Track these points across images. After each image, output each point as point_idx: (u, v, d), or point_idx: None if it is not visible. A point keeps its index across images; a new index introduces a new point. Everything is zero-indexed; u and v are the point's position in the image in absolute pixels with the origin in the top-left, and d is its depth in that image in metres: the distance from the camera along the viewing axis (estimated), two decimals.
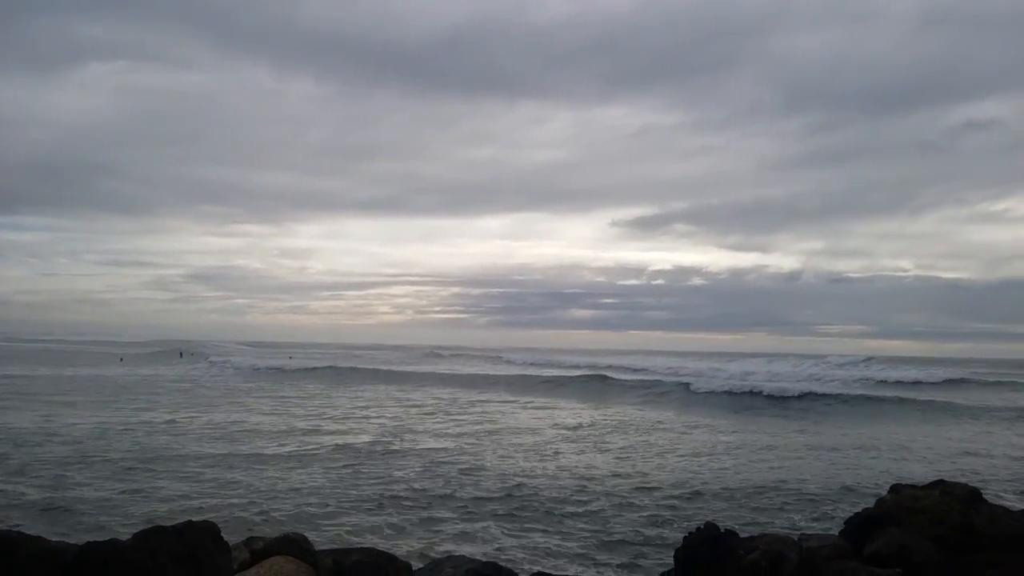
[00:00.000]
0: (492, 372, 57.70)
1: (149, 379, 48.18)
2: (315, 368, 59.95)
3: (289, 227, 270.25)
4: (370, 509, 13.19)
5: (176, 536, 6.15)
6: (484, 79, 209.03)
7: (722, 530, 7.15)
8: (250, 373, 57.00)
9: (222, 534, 7.01)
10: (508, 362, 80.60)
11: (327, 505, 13.36)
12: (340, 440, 21.15)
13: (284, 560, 6.30)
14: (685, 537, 7.11)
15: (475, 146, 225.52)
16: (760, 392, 36.82)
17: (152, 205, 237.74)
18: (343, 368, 59.80)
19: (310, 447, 19.76)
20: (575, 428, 25.95)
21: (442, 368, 63.45)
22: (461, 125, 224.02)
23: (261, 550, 7.11)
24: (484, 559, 7.86)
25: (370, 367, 61.71)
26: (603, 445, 21.72)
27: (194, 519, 7.03)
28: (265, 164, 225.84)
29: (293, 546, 7.17)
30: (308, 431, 23.06)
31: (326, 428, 24.04)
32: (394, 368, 60.73)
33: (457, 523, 12.44)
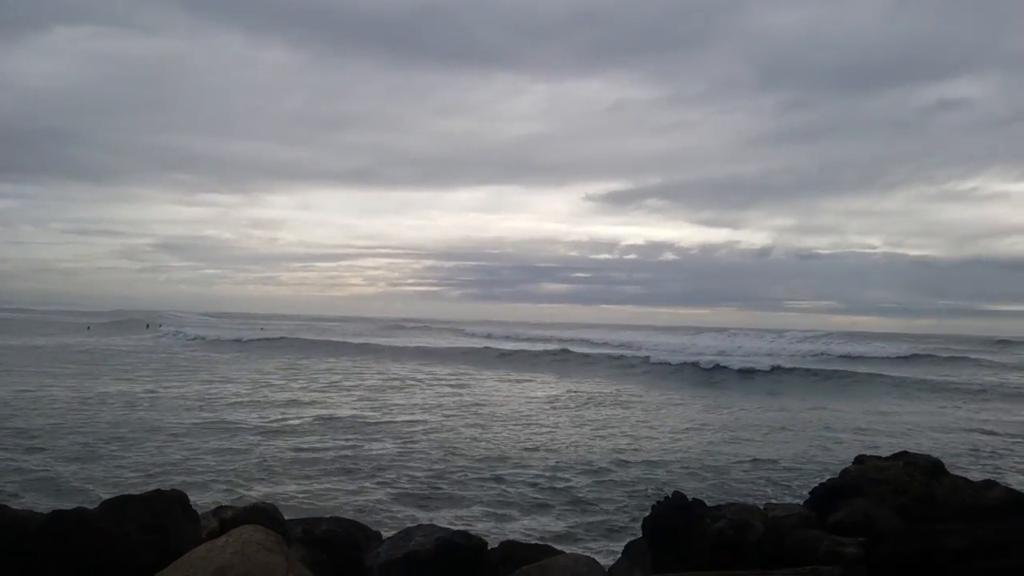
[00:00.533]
0: (465, 345, 57.55)
1: (121, 349, 47.71)
2: (285, 339, 59.67)
3: (260, 197, 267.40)
4: (344, 480, 13.20)
5: (144, 504, 6.11)
6: (459, 50, 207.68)
7: (690, 499, 7.24)
8: (220, 344, 56.58)
9: (195, 504, 6.99)
10: (472, 335, 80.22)
11: (301, 476, 13.36)
12: (319, 412, 21.16)
13: (253, 529, 6.26)
14: (653, 506, 7.17)
15: (450, 118, 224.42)
16: (727, 367, 37.15)
17: (120, 173, 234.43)
18: (315, 340, 59.42)
19: (288, 419, 19.74)
20: (546, 402, 26.08)
21: (411, 341, 62.99)
22: (436, 96, 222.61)
23: (230, 519, 7.08)
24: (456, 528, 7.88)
25: (339, 339, 61.34)
26: (575, 419, 21.87)
27: (163, 488, 7.00)
28: (236, 133, 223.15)
29: (262, 515, 7.14)
30: (285, 403, 22.99)
31: (303, 399, 23.99)
32: (363, 341, 60.40)
33: (431, 494, 12.49)
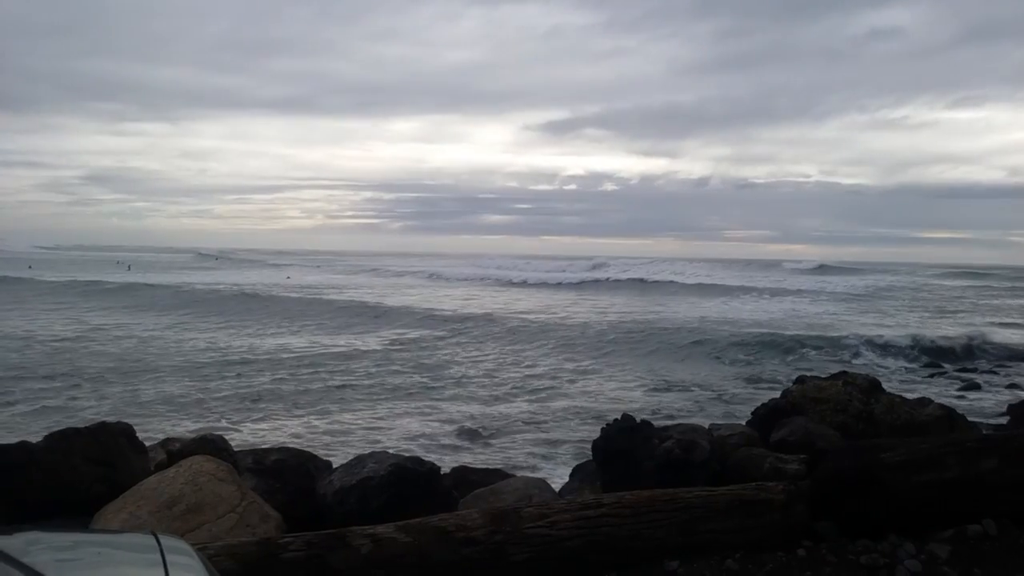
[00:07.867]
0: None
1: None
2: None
3: (188, 126, 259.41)
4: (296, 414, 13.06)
5: (89, 436, 6.01)
6: None
7: (638, 421, 7.38)
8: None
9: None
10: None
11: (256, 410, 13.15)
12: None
13: (204, 459, 6.22)
14: (603, 428, 7.31)
15: (383, 43, 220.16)
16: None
17: (35, 100, 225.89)
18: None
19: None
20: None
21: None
22: (367, 20, 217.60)
23: (178, 451, 7.02)
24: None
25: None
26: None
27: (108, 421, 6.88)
28: (157, 58, 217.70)
29: (211, 446, 7.09)
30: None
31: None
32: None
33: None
